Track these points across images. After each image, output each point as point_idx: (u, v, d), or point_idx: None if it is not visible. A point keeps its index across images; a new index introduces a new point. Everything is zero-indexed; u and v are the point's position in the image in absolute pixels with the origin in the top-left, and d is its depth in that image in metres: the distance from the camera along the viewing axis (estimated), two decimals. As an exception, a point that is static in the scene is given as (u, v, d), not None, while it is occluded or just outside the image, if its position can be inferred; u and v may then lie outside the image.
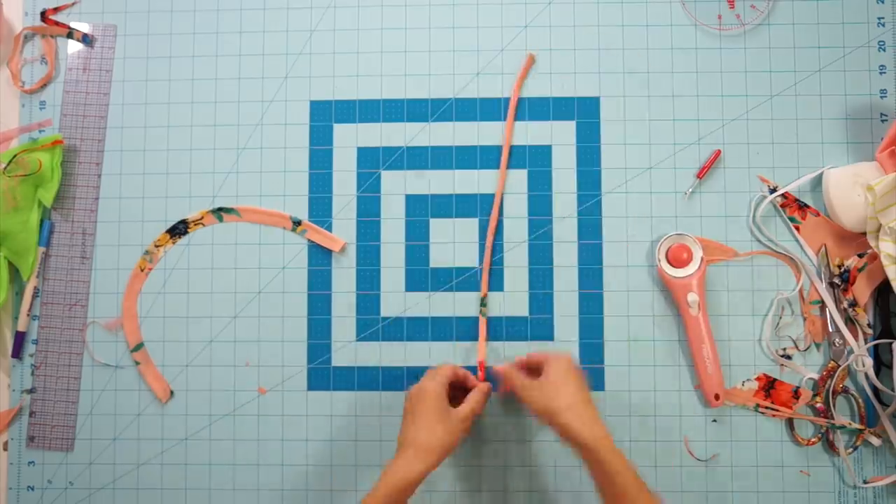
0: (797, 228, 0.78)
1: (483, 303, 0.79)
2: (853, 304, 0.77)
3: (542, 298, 0.79)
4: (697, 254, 0.77)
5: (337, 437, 0.79)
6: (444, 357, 0.79)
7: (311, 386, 0.79)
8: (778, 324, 0.78)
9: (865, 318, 0.77)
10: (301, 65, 0.82)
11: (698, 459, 0.78)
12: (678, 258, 0.77)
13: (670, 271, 0.77)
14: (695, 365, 0.77)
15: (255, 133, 0.82)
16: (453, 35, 0.82)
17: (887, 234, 0.73)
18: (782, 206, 0.79)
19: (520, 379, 0.71)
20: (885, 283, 0.75)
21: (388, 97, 0.81)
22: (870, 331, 0.77)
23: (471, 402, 0.71)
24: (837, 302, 0.77)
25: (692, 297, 0.76)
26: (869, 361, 0.76)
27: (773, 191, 0.79)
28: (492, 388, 0.76)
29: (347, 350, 0.80)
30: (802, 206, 0.78)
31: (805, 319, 0.78)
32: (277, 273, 0.80)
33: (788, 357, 0.77)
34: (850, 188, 0.76)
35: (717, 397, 0.76)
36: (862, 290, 0.77)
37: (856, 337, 0.77)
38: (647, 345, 0.79)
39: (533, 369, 0.73)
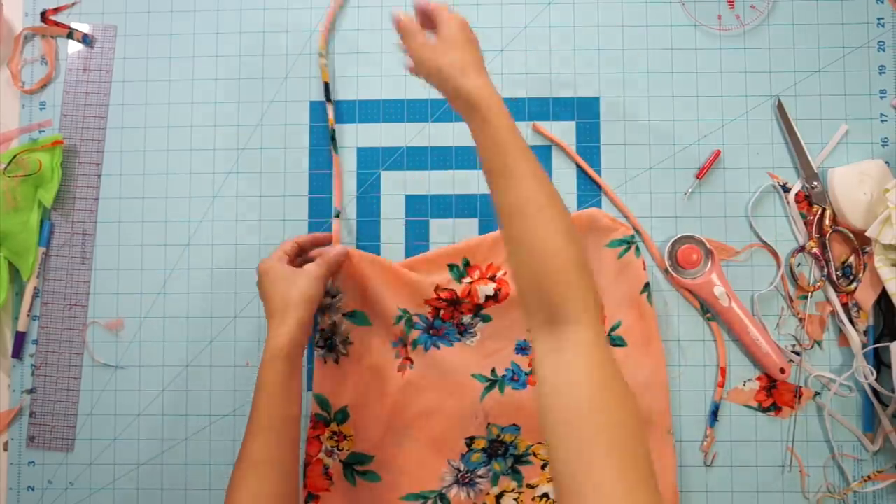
0: (806, 224, 0.78)
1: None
2: (857, 307, 0.77)
3: (542, 298, 0.79)
4: (706, 250, 0.77)
5: (337, 437, 0.79)
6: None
7: (311, 386, 0.79)
8: (777, 324, 0.78)
9: (865, 324, 0.77)
10: (301, 65, 0.82)
11: (704, 461, 0.78)
12: (688, 260, 0.77)
13: (686, 276, 0.77)
14: (748, 351, 0.77)
15: (255, 133, 0.82)
16: (453, 35, 0.82)
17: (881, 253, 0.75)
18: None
19: (417, 38, 0.66)
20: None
21: (387, 97, 0.81)
22: (865, 338, 0.77)
23: (318, 261, 0.72)
24: (838, 293, 0.77)
25: (719, 291, 0.76)
26: (871, 374, 0.76)
27: (785, 188, 0.79)
28: (344, 249, 0.75)
29: (347, 350, 0.80)
30: (811, 203, 0.78)
31: (800, 319, 0.78)
32: (277, 273, 0.80)
33: (798, 354, 0.77)
34: (855, 186, 0.76)
35: (782, 371, 0.76)
36: (866, 296, 0.77)
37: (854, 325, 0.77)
38: (647, 345, 0.79)
39: (428, 20, 0.68)
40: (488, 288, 0.76)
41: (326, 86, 0.80)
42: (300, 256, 0.76)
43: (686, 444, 0.78)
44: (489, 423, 0.75)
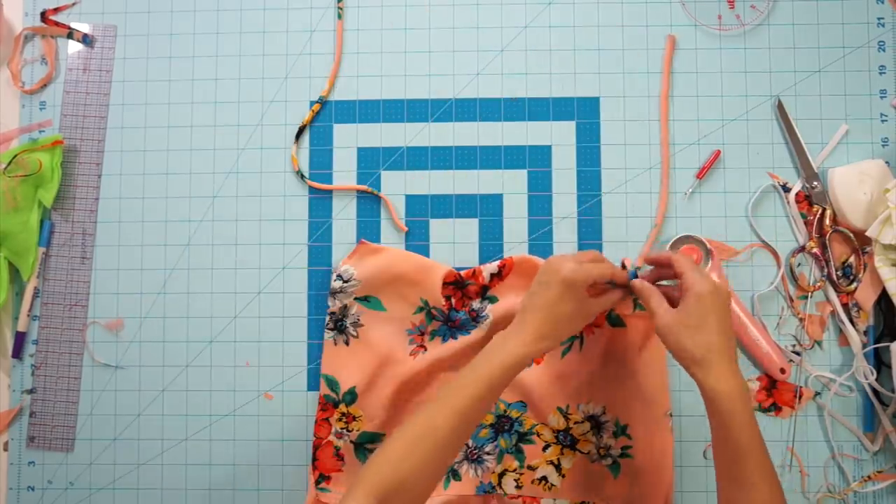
0: (807, 224, 0.78)
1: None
2: (857, 307, 0.77)
3: (542, 298, 0.79)
4: (706, 250, 0.77)
5: (337, 437, 0.79)
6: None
7: (311, 386, 0.79)
8: (778, 324, 0.78)
9: (865, 324, 0.77)
10: (301, 65, 0.82)
11: (703, 455, 0.78)
12: None
13: None
14: (748, 351, 0.77)
15: (255, 133, 0.82)
16: (453, 35, 0.82)
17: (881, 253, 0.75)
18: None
19: (654, 300, 0.65)
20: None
21: (387, 97, 0.81)
22: (865, 338, 0.77)
23: (614, 297, 0.68)
24: (838, 293, 0.77)
25: None
26: (871, 374, 0.76)
27: (785, 188, 0.79)
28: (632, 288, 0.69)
29: (347, 350, 0.80)
30: (812, 203, 0.78)
31: (800, 319, 0.78)
32: (277, 273, 0.80)
33: (798, 354, 0.77)
34: (855, 186, 0.76)
35: (782, 371, 0.76)
36: (866, 296, 0.77)
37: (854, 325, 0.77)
38: (648, 345, 0.79)
39: (672, 272, 0.67)
40: (492, 266, 0.77)
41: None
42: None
43: (686, 444, 0.78)
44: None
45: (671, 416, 0.76)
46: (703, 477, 0.78)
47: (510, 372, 0.64)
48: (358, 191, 0.81)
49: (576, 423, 0.76)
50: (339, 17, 0.82)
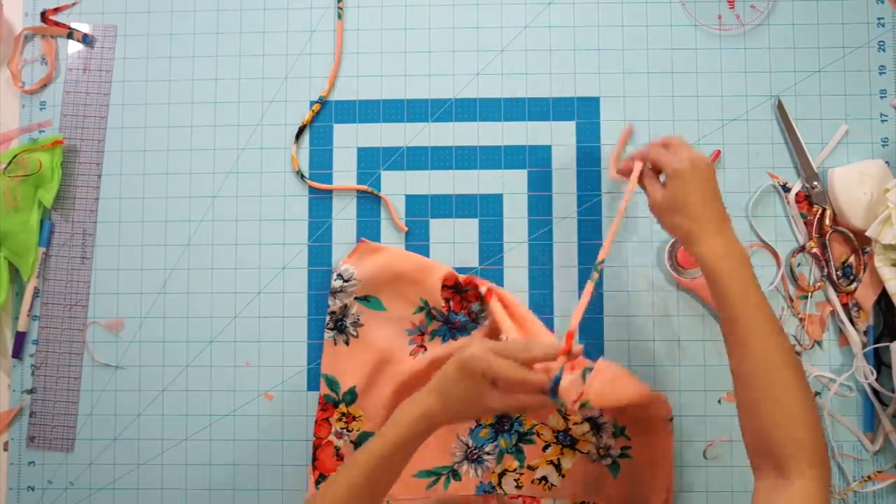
0: (807, 224, 0.78)
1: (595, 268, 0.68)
2: (857, 307, 0.77)
3: (542, 298, 0.79)
4: None
5: (337, 437, 0.79)
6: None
7: (311, 386, 0.79)
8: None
9: (865, 324, 0.77)
10: (301, 65, 0.82)
11: (703, 454, 0.78)
12: (688, 260, 0.77)
13: (687, 275, 0.77)
14: None
15: (255, 133, 0.82)
16: (453, 35, 0.82)
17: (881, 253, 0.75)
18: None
19: (648, 181, 0.67)
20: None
21: (388, 97, 0.81)
22: (865, 338, 0.77)
23: (521, 399, 0.61)
24: (838, 293, 0.77)
25: None
26: (871, 374, 0.76)
27: (785, 188, 0.79)
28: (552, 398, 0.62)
29: (347, 350, 0.80)
30: (811, 203, 0.79)
31: (800, 319, 0.78)
32: (277, 273, 0.80)
33: (798, 354, 0.77)
34: (855, 186, 0.76)
35: None
36: (866, 296, 0.77)
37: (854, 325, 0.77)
38: (647, 345, 0.79)
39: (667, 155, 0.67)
40: (483, 288, 0.77)
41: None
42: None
43: (686, 444, 0.78)
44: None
45: (671, 420, 0.75)
46: (703, 477, 0.78)
47: (417, 436, 0.62)
48: (358, 191, 0.81)
49: (575, 423, 0.76)
50: (339, 17, 0.82)
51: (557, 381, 0.59)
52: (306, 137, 0.81)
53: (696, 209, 0.64)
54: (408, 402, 0.64)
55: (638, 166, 0.69)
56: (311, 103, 0.81)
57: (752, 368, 0.59)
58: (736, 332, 0.61)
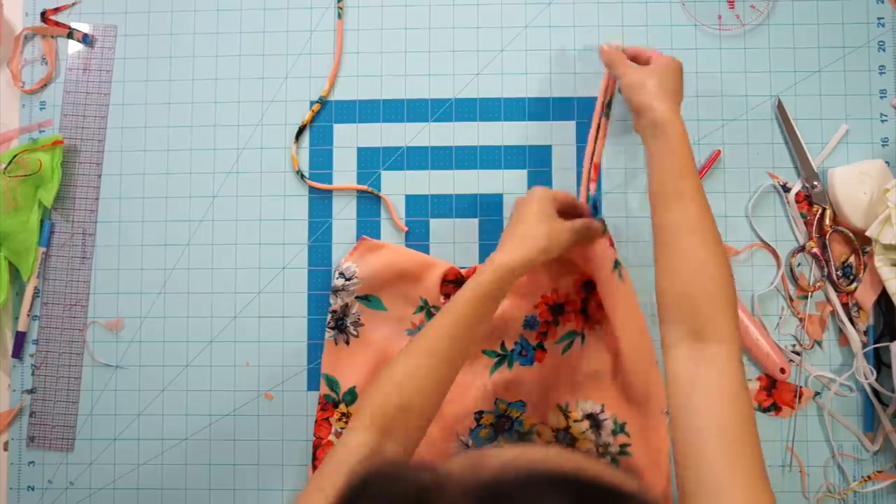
0: (807, 224, 0.78)
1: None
2: (857, 307, 0.77)
3: (542, 298, 0.79)
4: None
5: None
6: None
7: (311, 386, 0.79)
8: (778, 324, 0.78)
9: (865, 324, 0.77)
10: (301, 65, 0.82)
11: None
12: None
13: None
14: (748, 351, 0.77)
15: (255, 133, 0.82)
16: (453, 35, 0.82)
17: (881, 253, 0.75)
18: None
19: (622, 63, 0.72)
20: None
21: (388, 97, 0.81)
22: (865, 338, 0.77)
23: (583, 220, 0.72)
24: (838, 293, 0.77)
25: None
26: (871, 374, 0.76)
27: (785, 188, 0.79)
28: (604, 226, 0.75)
29: (347, 350, 0.80)
30: (812, 203, 0.79)
31: (800, 319, 0.78)
32: (277, 273, 0.80)
33: (798, 354, 0.77)
34: (855, 186, 0.76)
35: (782, 371, 0.76)
36: (866, 296, 0.77)
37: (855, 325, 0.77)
38: (648, 345, 0.79)
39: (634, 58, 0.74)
40: None
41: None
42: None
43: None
44: (497, 399, 0.76)
45: (667, 413, 0.75)
46: (703, 477, 0.78)
47: (500, 281, 0.65)
48: (358, 191, 0.81)
49: (575, 421, 0.76)
50: (340, 16, 0.82)
51: (594, 201, 0.77)
52: (306, 137, 0.81)
53: (674, 81, 0.69)
54: (485, 263, 0.67)
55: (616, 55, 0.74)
56: (312, 103, 0.81)
57: (687, 220, 0.61)
58: (679, 186, 0.63)
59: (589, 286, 0.77)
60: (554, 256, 0.69)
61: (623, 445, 0.76)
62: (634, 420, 0.76)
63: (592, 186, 0.77)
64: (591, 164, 0.78)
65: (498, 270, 0.65)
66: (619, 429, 0.76)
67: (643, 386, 0.75)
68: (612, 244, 0.75)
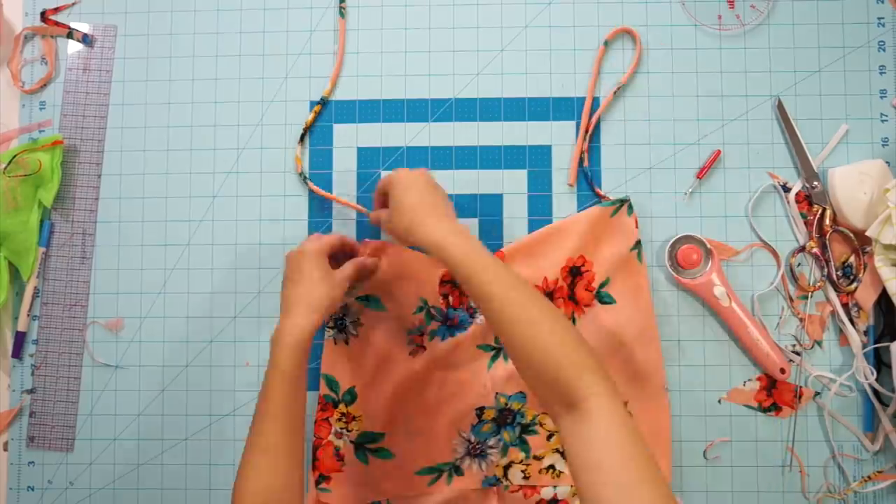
0: (807, 224, 0.78)
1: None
2: (857, 307, 0.77)
3: (542, 298, 0.79)
4: (706, 250, 0.77)
5: (337, 437, 0.79)
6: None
7: (311, 386, 0.79)
8: (778, 324, 0.78)
9: (865, 324, 0.77)
10: (301, 65, 0.82)
11: (705, 459, 0.78)
12: (688, 260, 0.77)
13: (687, 275, 0.77)
14: (748, 351, 0.77)
15: (255, 133, 0.82)
16: (453, 35, 0.82)
17: (881, 253, 0.75)
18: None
19: (381, 217, 0.72)
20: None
21: (388, 97, 0.81)
22: (865, 338, 0.77)
23: (352, 263, 0.72)
24: (838, 293, 0.77)
25: (719, 291, 0.76)
26: (871, 374, 0.76)
27: (785, 188, 0.79)
28: (376, 262, 0.76)
29: (347, 350, 0.80)
30: (812, 203, 0.79)
31: (800, 319, 0.78)
32: (277, 273, 0.80)
33: (798, 354, 0.77)
34: (855, 186, 0.76)
35: (782, 371, 0.76)
36: (867, 296, 0.77)
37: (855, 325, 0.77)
38: (648, 345, 0.79)
39: (381, 195, 0.74)
40: None
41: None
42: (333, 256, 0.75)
43: (686, 444, 0.78)
44: (497, 393, 0.76)
45: (668, 389, 0.76)
46: (703, 477, 0.78)
47: (296, 352, 0.65)
48: (356, 210, 0.81)
49: None
50: (342, 15, 0.82)
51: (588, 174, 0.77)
52: (306, 137, 0.81)
53: (415, 203, 0.68)
54: (274, 335, 0.66)
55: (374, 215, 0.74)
56: (312, 103, 0.81)
57: (510, 317, 0.60)
58: (482, 292, 0.62)
59: (575, 271, 0.77)
60: (337, 308, 0.70)
61: None
62: (635, 398, 0.76)
63: (586, 157, 0.78)
64: (585, 134, 0.79)
65: (294, 351, 0.65)
66: None
67: (643, 363, 0.76)
68: (636, 225, 0.77)
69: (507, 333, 0.61)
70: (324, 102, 0.81)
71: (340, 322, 0.78)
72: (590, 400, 0.55)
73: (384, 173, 0.81)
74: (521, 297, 0.61)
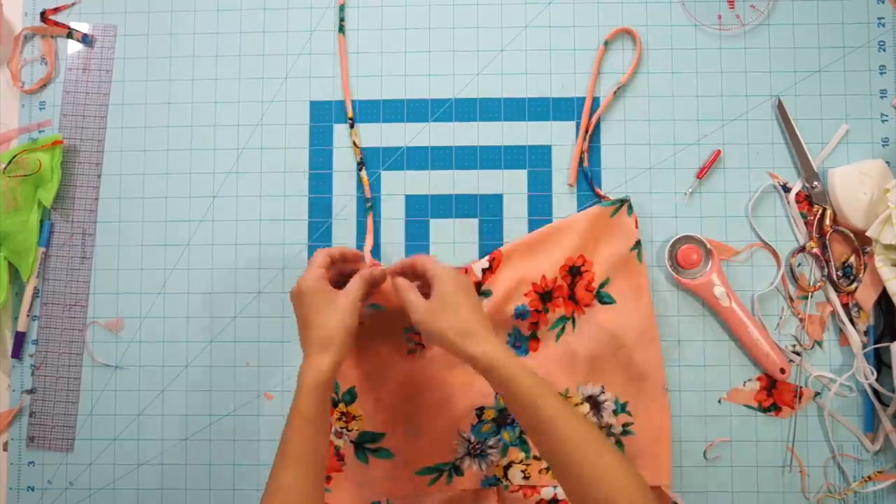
0: (807, 224, 0.78)
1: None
2: (857, 307, 0.77)
3: (543, 298, 0.79)
4: (706, 250, 0.77)
5: (337, 437, 0.79)
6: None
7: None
8: (778, 324, 0.78)
9: (866, 324, 0.77)
10: (301, 65, 0.82)
11: (705, 459, 0.78)
12: (688, 260, 0.77)
13: (687, 275, 0.77)
14: (748, 351, 0.77)
15: (255, 133, 0.82)
16: (453, 35, 0.82)
17: (881, 253, 0.75)
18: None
19: (410, 294, 0.69)
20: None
21: (388, 97, 0.81)
22: (865, 338, 0.77)
23: (358, 280, 0.70)
24: (838, 293, 0.77)
25: (719, 291, 0.76)
26: (871, 374, 0.76)
27: (785, 188, 0.79)
28: (383, 271, 0.74)
29: (347, 350, 0.80)
30: (812, 203, 0.79)
31: (800, 319, 0.78)
32: (277, 273, 0.80)
33: (798, 354, 0.77)
34: (855, 186, 0.76)
35: (782, 371, 0.76)
36: (867, 296, 0.77)
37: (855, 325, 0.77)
38: (648, 345, 0.79)
39: (419, 275, 0.71)
40: (482, 262, 0.78)
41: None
42: (332, 268, 0.73)
43: (686, 445, 0.78)
44: (497, 393, 0.77)
45: (668, 390, 0.76)
46: (703, 477, 0.78)
47: (314, 395, 0.64)
48: (358, 187, 0.81)
49: (575, 405, 0.76)
50: (342, 31, 0.82)
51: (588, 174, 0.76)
52: (306, 138, 0.81)
53: (469, 314, 0.66)
54: (301, 381, 0.65)
55: (402, 283, 0.71)
56: (312, 103, 0.81)
57: (564, 447, 0.60)
58: (537, 418, 0.62)
59: (574, 271, 0.77)
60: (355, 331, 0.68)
61: (626, 425, 0.76)
62: (636, 398, 0.76)
63: (586, 157, 0.78)
64: (585, 134, 0.79)
65: (311, 393, 0.64)
66: (621, 408, 0.76)
67: (644, 363, 0.76)
68: (636, 226, 0.77)
69: (560, 453, 0.61)
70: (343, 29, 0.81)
71: None
72: None
73: (384, 174, 0.81)
74: (576, 430, 0.61)
